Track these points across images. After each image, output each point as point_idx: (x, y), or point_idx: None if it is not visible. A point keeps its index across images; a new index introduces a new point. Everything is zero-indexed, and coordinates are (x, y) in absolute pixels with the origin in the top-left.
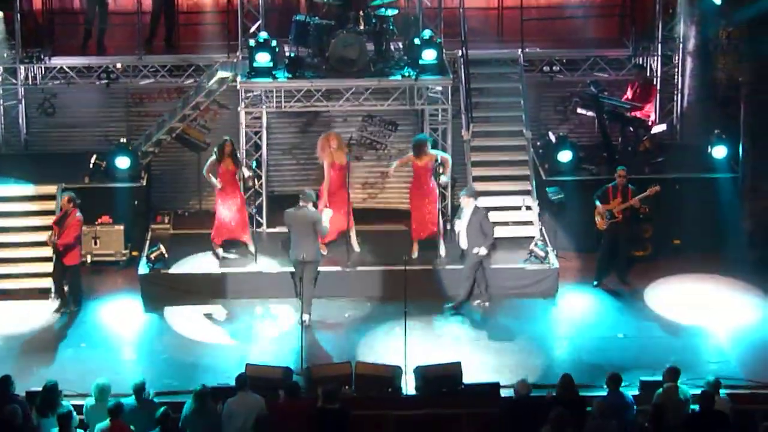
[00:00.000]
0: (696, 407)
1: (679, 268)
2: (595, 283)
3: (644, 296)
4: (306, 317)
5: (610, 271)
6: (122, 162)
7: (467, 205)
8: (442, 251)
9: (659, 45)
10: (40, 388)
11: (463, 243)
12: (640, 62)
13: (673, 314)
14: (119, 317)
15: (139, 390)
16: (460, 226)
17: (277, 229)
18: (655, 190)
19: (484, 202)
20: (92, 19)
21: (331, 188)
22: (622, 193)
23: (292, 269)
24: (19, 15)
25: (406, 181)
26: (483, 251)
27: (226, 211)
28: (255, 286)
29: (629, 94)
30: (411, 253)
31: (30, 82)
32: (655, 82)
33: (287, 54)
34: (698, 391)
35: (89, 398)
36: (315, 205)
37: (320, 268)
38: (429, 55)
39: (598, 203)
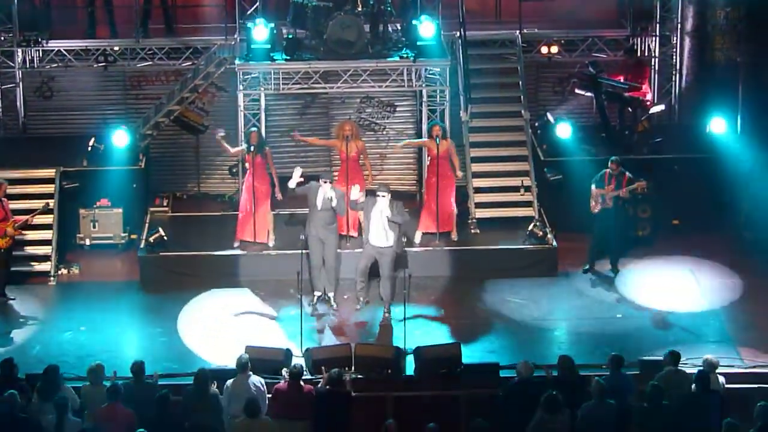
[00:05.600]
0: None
1: (678, 248)
2: (586, 268)
3: (641, 276)
4: (331, 295)
5: (602, 256)
6: (120, 144)
7: (384, 200)
8: (454, 236)
9: (657, 25)
10: (41, 372)
11: (386, 239)
12: (638, 42)
13: (669, 295)
14: (118, 300)
15: (137, 371)
16: (372, 221)
17: (276, 211)
18: (642, 186)
19: (482, 182)
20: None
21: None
22: (617, 179)
23: (295, 251)
24: None
25: (404, 162)
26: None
27: (250, 207)
28: (254, 269)
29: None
30: (413, 239)
31: (27, 66)
32: (651, 62)
33: (285, 36)
34: (695, 371)
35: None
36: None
37: None
38: (427, 36)
39: (594, 187)
